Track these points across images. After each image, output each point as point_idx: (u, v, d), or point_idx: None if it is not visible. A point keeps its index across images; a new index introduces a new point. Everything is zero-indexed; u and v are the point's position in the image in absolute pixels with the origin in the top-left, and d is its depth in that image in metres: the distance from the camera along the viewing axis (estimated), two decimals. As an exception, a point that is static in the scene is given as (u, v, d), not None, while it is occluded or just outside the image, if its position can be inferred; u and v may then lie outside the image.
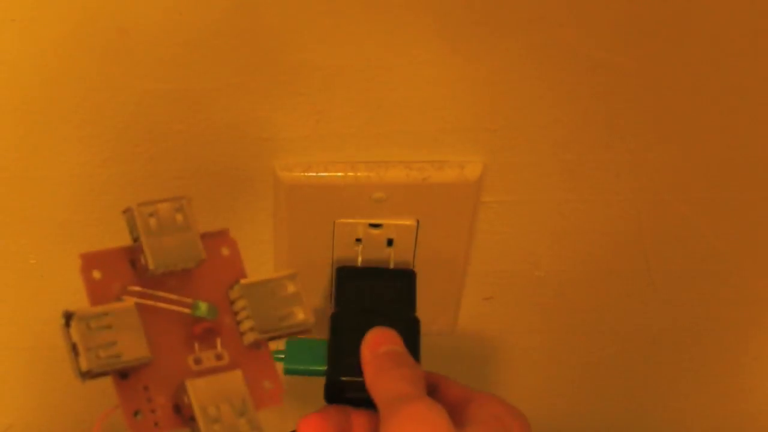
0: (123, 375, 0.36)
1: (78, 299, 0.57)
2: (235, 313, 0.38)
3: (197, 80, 0.46)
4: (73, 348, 0.35)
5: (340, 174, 0.50)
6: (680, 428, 0.72)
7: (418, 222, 0.52)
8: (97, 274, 0.37)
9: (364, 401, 0.43)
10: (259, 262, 0.56)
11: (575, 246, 0.57)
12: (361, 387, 0.43)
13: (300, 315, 0.38)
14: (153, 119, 0.48)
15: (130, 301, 0.36)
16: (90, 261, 0.37)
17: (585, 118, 0.50)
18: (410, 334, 0.47)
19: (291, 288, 0.38)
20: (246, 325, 0.38)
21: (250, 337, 0.38)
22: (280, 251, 0.55)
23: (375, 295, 0.51)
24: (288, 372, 0.46)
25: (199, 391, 0.35)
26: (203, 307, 0.37)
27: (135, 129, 0.48)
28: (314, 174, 0.50)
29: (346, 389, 0.45)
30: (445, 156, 0.51)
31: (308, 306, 0.38)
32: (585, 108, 0.49)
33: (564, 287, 0.60)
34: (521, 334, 0.63)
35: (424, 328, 0.49)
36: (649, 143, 0.51)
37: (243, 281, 0.38)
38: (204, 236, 0.38)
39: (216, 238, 0.39)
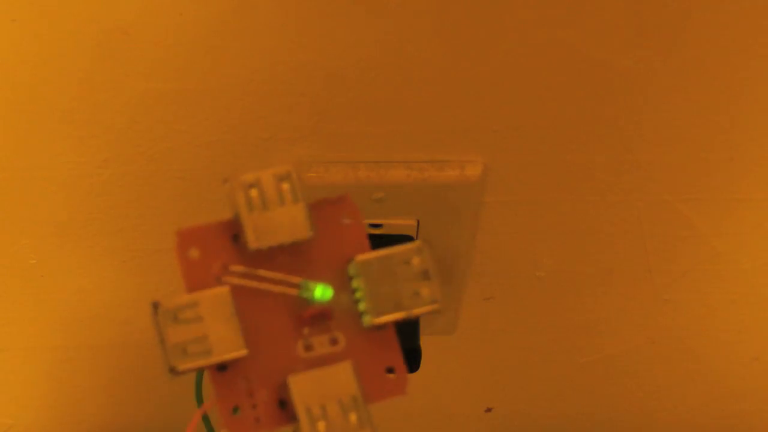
0: (221, 367, 0.32)
1: (78, 298, 0.57)
2: (353, 292, 0.33)
3: (197, 80, 0.46)
4: (160, 340, 0.31)
5: (340, 174, 0.50)
6: (680, 428, 0.72)
7: (418, 222, 0.52)
8: (194, 253, 0.33)
9: None
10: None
11: (575, 246, 0.57)
12: None
13: (426, 292, 0.33)
14: (153, 119, 0.48)
15: (224, 287, 0.32)
16: (187, 238, 0.33)
17: (585, 118, 0.50)
18: (407, 326, 0.47)
19: (416, 262, 0.33)
20: (363, 306, 0.33)
21: (367, 320, 0.33)
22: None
23: None
24: None
25: (301, 387, 0.31)
26: (314, 288, 0.33)
27: (135, 129, 0.48)
28: (314, 174, 0.50)
29: None
30: (445, 156, 0.51)
31: (438, 282, 0.33)
32: (585, 108, 0.49)
33: (564, 287, 0.60)
34: (521, 334, 0.63)
35: (424, 328, 0.49)
36: (649, 143, 0.51)
37: (359, 257, 0.33)
38: (321, 204, 0.33)
39: (335, 205, 0.34)
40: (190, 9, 0.43)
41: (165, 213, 0.53)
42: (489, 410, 0.71)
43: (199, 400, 0.52)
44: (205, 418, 0.53)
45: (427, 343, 0.48)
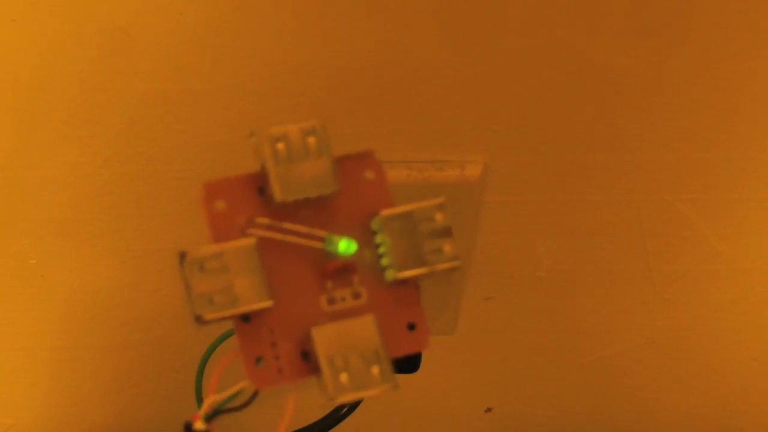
0: (245, 317, 0.32)
1: (78, 298, 0.57)
2: (376, 246, 0.34)
3: (197, 80, 0.46)
4: (186, 289, 0.32)
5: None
6: (680, 428, 0.72)
7: (418, 222, 0.52)
8: (220, 205, 0.33)
9: None
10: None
11: (575, 246, 0.57)
12: None
13: (447, 249, 0.33)
14: (153, 119, 0.48)
15: (251, 239, 0.32)
16: (213, 190, 0.33)
17: (585, 118, 0.50)
18: None
19: (439, 218, 0.33)
20: (386, 260, 0.33)
21: (390, 275, 0.33)
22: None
23: None
24: None
25: (324, 339, 0.32)
26: (339, 242, 0.33)
27: (135, 129, 0.48)
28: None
29: None
30: (445, 156, 0.51)
31: (458, 240, 0.33)
32: (585, 108, 0.49)
33: (564, 287, 0.60)
34: (521, 334, 0.63)
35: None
36: (649, 143, 0.51)
37: (384, 212, 0.33)
38: (345, 159, 0.34)
39: (359, 160, 0.34)
40: (190, 9, 0.43)
41: (165, 213, 0.53)
42: (489, 410, 0.71)
43: (199, 400, 0.52)
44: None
45: (427, 343, 0.48)
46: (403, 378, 0.49)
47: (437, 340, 0.60)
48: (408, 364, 0.48)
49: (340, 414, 0.45)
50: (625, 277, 0.59)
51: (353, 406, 0.46)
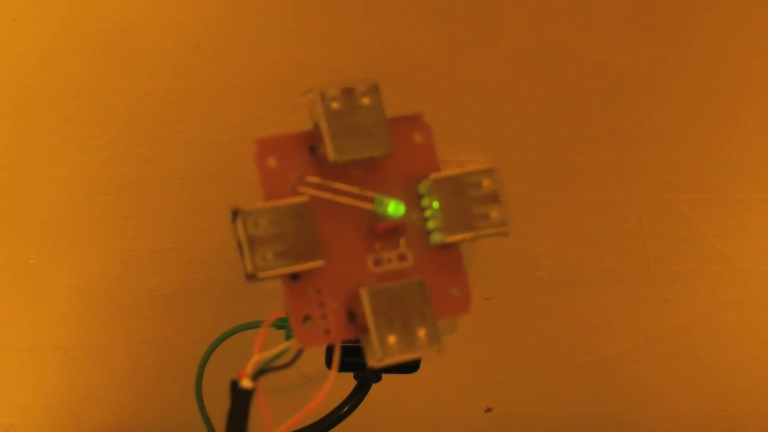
0: (294, 276, 0.32)
1: (78, 298, 0.57)
2: (423, 210, 0.34)
3: (197, 80, 0.46)
4: (239, 247, 0.31)
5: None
6: (680, 428, 0.72)
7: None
8: (272, 162, 0.33)
9: (361, 365, 0.43)
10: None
11: (575, 246, 0.57)
12: (358, 351, 0.43)
13: (494, 215, 0.33)
14: (153, 119, 0.48)
15: (304, 197, 0.32)
16: (265, 146, 0.33)
17: (585, 118, 0.50)
18: None
19: (487, 184, 0.34)
20: (432, 224, 0.33)
21: (436, 238, 0.33)
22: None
23: None
24: (290, 338, 0.46)
25: (373, 300, 0.32)
26: (388, 203, 0.33)
27: (135, 129, 0.48)
28: (314, 174, 0.50)
29: (344, 353, 0.45)
30: (445, 155, 0.51)
31: (506, 205, 0.33)
32: (585, 108, 0.49)
33: (564, 287, 0.60)
34: (521, 334, 0.63)
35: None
36: (649, 143, 0.51)
37: (433, 175, 0.33)
38: (393, 121, 0.33)
39: (408, 123, 0.34)
40: (190, 9, 0.43)
41: (165, 213, 0.53)
42: (489, 410, 0.71)
43: (200, 399, 0.52)
44: (205, 421, 0.53)
45: (427, 343, 0.48)
46: (403, 378, 0.49)
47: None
48: (408, 364, 0.48)
49: (340, 413, 0.45)
50: (625, 277, 0.59)
51: (354, 405, 0.46)
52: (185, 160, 0.50)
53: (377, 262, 0.33)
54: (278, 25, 0.44)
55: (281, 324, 0.47)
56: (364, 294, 0.32)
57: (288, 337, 0.46)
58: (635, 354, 0.65)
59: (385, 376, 0.48)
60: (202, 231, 0.54)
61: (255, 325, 0.50)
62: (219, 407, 0.52)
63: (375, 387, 0.47)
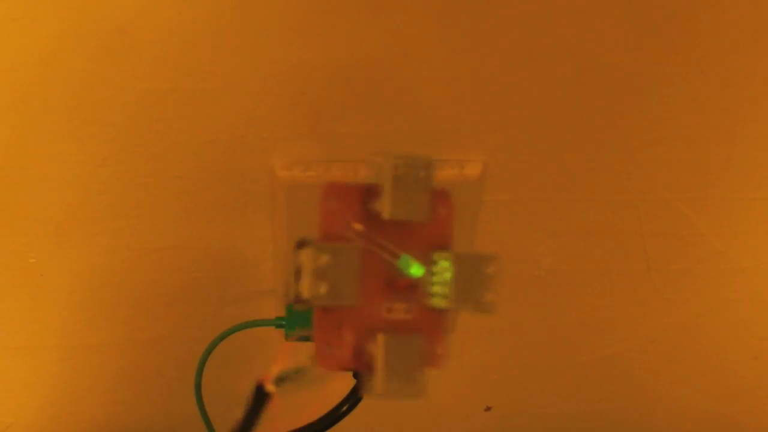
0: (326, 308, 0.37)
1: (77, 298, 0.57)
2: (433, 274, 0.38)
3: (197, 80, 0.46)
4: (296, 273, 0.36)
5: (340, 173, 0.50)
6: (680, 428, 0.72)
7: (418, 221, 0.52)
8: (334, 205, 0.37)
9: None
10: (259, 261, 0.56)
11: (575, 245, 0.57)
12: None
13: (489, 297, 0.38)
14: (153, 119, 0.48)
15: (357, 243, 0.37)
16: (332, 190, 0.37)
17: (585, 118, 0.50)
18: None
19: (490, 269, 0.38)
20: (439, 289, 0.38)
21: (439, 302, 0.38)
22: (278, 250, 0.55)
23: None
24: (289, 337, 0.47)
25: (388, 346, 0.36)
26: (412, 265, 0.38)
27: (135, 128, 0.48)
28: (314, 174, 0.50)
29: None
30: (445, 155, 0.51)
31: (496, 291, 0.38)
32: (585, 107, 0.49)
33: (563, 286, 0.60)
34: (521, 333, 0.64)
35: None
36: (649, 143, 0.51)
37: (456, 250, 0.38)
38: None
39: (439, 197, 0.39)
40: (190, 8, 0.43)
41: (164, 212, 0.53)
42: (488, 409, 0.71)
43: (199, 398, 0.52)
44: (204, 420, 0.53)
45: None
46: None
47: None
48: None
49: (340, 412, 0.45)
50: (625, 277, 0.59)
51: (353, 404, 0.46)
52: (185, 160, 0.50)
53: (389, 310, 0.38)
54: (278, 25, 0.44)
55: (281, 324, 0.47)
56: (380, 339, 0.36)
57: (288, 336, 0.47)
58: (635, 353, 0.66)
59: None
60: (202, 230, 0.54)
61: (254, 324, 0.50)
62: (218, 406, 0.52)
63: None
